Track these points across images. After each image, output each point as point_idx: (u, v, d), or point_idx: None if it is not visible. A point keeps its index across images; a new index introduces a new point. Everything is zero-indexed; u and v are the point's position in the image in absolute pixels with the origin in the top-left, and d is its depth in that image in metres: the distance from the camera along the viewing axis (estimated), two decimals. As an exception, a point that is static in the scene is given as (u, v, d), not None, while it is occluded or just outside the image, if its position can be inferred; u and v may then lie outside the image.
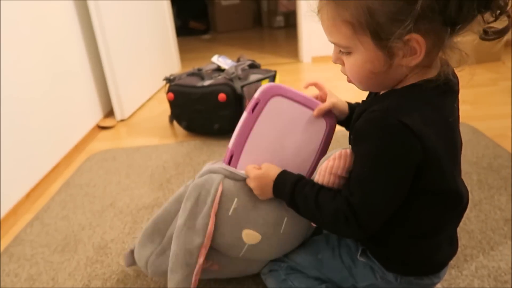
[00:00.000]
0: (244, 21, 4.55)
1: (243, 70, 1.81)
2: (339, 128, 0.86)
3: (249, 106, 0.79)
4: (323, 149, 0.83)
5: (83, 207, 1.36)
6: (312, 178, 0.74)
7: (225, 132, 1.72)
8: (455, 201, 0.69)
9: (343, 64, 0.65)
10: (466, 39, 0.59)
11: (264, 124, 0.79)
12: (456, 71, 0.64)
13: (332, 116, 0.82)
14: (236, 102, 1.70)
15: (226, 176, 0.78)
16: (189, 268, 0.78)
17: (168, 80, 1.82)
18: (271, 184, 0.75)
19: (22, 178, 1.43)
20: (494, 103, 1.92)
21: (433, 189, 0.65)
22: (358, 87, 0.67)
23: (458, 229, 0.77)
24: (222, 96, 1.67)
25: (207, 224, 0.77)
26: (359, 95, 0.79)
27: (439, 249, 0.73)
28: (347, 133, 0.76)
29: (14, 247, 1.19)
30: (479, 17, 0.55)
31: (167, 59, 2.89)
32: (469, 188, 0.73)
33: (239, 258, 0.84)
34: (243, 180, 0.78)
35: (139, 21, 2.42)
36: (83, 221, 1.28)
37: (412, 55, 0.58)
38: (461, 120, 0.69)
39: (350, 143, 0.71)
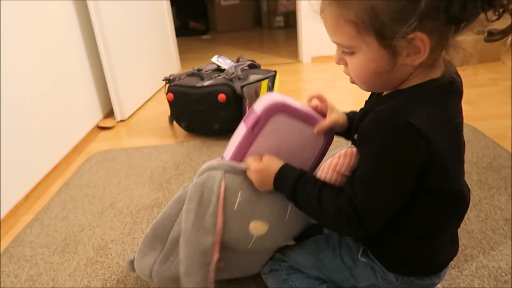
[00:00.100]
0: (244, 21, 4.55)
1: (243, 70, 1.81)
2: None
3: (250, 121, 0.77)
4: (318, 162, 0.83)
5: (83, 208, 1.35)
6: (314, 174, 0.74)
7: (225, 132, 1.71)
8: (458, 201, 0.69)
9: (346, 64, 0.65)
10: (467, 39, 0.59)
11: (262, 141, 0.78)
12: (459, 70, 0.64)
13: (331, 133, 0.82)
14: (236, 103, 1.70)
15: (226, 171, 0.77)
16: (206, 267, 0.78)
17: (168, 80, 1.82)
18: (272, 177, 0.74)
19: (22, 179, 1.43)
20: (494, 103, 1.92)
21: (437, 189, 0.65)
22: (361, 88, 0.67)
23: (458, 229, 0.77)
24: (222, 97, 1.67)
25: (215, 222, 0.76)
26: (359, 95, 0.79)
27: (440, 249, 0.73)
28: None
29: (14, 248, 1.19)
30: (481, 17, 0.55)
31: (167, 60, 2.89)
32: (469, 188, 0.73)
33: (245, 252, 0.83)
34: (244, 173, 0.77)
35: (139, 22, 2.42)
36: (83, 221, 1.28)
37: (416, 54, 0.58)
38: (461, 120, 0.70)
39: (353, 144, 0.71)
